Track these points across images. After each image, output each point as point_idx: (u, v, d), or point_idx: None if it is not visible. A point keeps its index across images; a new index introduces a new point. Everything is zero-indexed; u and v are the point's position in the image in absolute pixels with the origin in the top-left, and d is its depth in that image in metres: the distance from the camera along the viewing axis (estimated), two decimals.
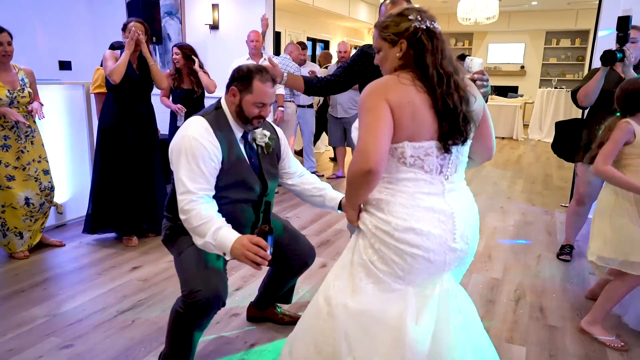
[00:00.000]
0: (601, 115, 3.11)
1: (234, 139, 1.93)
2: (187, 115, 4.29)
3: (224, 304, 1.87)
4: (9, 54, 3.08)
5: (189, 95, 4.29)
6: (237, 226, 1.86)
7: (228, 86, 1.91)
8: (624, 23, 2.87)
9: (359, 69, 2.34)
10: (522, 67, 13.27)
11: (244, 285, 2.97)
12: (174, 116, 4.48)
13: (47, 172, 3.38)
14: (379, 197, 1.48)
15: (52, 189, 3.41)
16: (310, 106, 5.71)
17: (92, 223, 3.56)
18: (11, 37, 3.09)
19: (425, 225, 1.42)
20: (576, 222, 3.42)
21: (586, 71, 12.63)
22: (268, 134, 2.03)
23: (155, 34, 4.95)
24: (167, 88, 4.36)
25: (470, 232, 1.51)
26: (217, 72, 5.52)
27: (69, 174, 3.96)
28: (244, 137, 1.97)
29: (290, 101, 5.21)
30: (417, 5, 1.51)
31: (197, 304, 1.79)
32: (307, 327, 1.61)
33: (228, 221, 1.83)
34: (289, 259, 2.23)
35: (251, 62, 4.82)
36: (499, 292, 2.90)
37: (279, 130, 2.17)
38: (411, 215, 1.42)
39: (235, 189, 1.92)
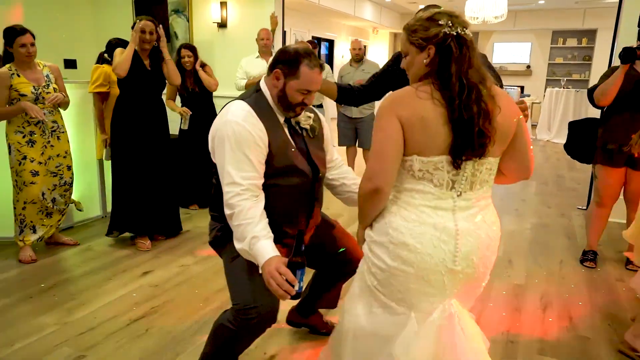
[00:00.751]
0: (619, 114, 3.03)
1: (278, 122, 1.77)
2: (191, 118, 4.23)
3: (275, 320, 1.75)
4: (32, 54, 3.08)
5: (195, 96, 4.28)
6: (290, 215, 1.75)
7: (272, 68, 1.74)
8: None
9: (392, 74, 2.26)
10: (528, 66, 13.16)
11: None
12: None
13: (70, 167, 3.36)
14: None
15: (70, 184, 3.37)
16: (320, 106, 5.61)
17: (111, 224, 3.53)
18: (34, 37, 3.07)
19: (422, 243, 1.37)
20: (598, 225, 3.32)
21: (593, 71, 12.50)
22: (312, 115, 1.88)
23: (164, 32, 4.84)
24: (173, 90, 4.29)
25: (479, 256, 1.40)
26: (225, 70, 5.43)
27: (78, 174, 3.85)
28: (287, 121, 1.82)
29: None
30: (449, 10, 1.41)
31: (251, 321, 1.66)
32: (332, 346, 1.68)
33: (280, 211, 1.71)
34: (338, 261, 2.04)
35: (260, 60, 4.74)
36: (524, 300, 2.80)
37: (318, 112, 1.99)
38: (410, 230, 1.38)
39: (285, 175, 1.76)
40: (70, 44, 5.71)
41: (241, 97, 1.77)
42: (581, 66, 12.63)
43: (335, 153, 2.03)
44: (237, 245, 1.67)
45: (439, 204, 1.39)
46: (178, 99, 4.44)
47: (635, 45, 2.84)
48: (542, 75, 12.93)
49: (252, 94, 1.78)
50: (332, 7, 9.32)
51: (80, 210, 3.73)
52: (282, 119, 1.79)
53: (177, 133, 4.51)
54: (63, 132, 3.29)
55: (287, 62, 1.69)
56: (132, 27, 3.32)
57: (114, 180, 3.48)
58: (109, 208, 3.83)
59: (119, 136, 3.38)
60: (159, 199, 3.50)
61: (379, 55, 13.45)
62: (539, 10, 12.01)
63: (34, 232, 3.24)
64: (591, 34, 12.20)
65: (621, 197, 3.26)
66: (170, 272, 3.11)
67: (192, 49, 4.31)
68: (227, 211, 1.68)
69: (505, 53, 13.33)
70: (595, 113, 4.43)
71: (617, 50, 4.13)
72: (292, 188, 1.79)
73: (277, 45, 5.33)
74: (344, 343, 1.58)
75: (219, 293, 2.83)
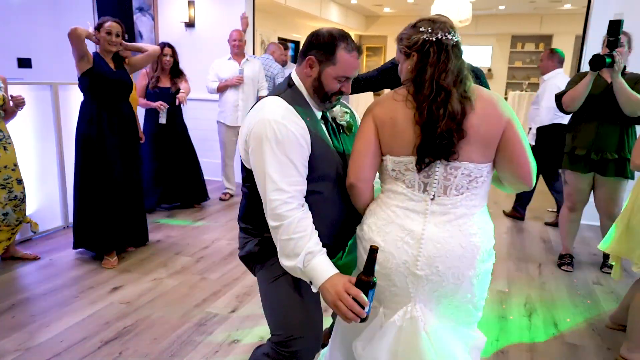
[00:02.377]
0: (587, 121, 3.07)
1: (316, 119, 1.56)
2: (167, 113, 4.13)
3: (319, 350, 1.60)
4: None
5: (167, 94, 4.15)
6: (328, 224, 1.53)
7: (303, 54, 1.52)
8: (615, 27, 2.79)
9: (394, 76, 2.33)
10: (490, 70, 13.49)
11: (239, 305, 2.73)
12: (150, 116, 4.19)
13: (20, 181, 3.07)
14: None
15: (22, 200, 3.07)
16: None
17: (75, 238, 3.26)
18: None
19: (386, 242, 1.40)
20: (571, 229, 3.36)
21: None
22: (348, 110, 1.68)
23: (128, 31, 4.60)
24: (141, 88, 4.12)
25: (446, 265, 1.36)
26: (194, 72, 5.24)
27: (37, 182, 3.60)
28: (324, 117, 1.61)
29: None
30: (435, 15, 1.45)
31: (296, 355, 1.49)
32: None
33: (320, 219, 1.49)
34: None
35: (232, 62, 4.59)
36: (510, 307, 2.79)
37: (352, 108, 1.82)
38: (378, 228, 1.43)
39: (327, 180, 1.53)
40: (25, 42, 5.35)
41: (275, 92, 1.55)
42: (538, 70, 13.05)
43: None
44: (287, 262, 1.44)
45: (411, 206, 1.40)
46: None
47: (603, 53, 2.86)
48: (502, 79, 13.29)
49: (285, 89, 1.55)
50: (298, 8, 9.22)
51: (34, 233, 3.47)
52: (319, 115, 1.59)
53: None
54: (10, 143, 3.01)
55: (322, 46, 1.48)
56: (96, 28, 3.11)
57: (78, 190, 3.20)
58: (71, 218, 3.57)
59: (84, 142, 3.14)
60: (126, 209, 3.28)
61: None
62: (499, 15, 12.34)
63: None
64: (548, 39, 12.64)
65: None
66: (142, 287, 2.92)
67: (172, 48, 4.19)
68: (273, 223, 1.44)
69: (467, 56, 13.44)
70: (559, 116, 4.53)
71: (585, 55, 4.24)
72: (335, 193, 1.56)
73: (247, 47, 5.18)
74: (333, 334, 1.68)
75: (196, 309, 2.67)
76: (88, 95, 3.13)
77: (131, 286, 2.92)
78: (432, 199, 1.39)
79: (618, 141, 2.99)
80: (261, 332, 2.46)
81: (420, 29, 1.38)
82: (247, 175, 1.58)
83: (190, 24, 5.36)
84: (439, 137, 1.32)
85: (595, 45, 4.11)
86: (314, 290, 1.42)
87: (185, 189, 4.42)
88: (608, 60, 2.78)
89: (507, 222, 4.39)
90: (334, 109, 1.63)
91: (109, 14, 4.50)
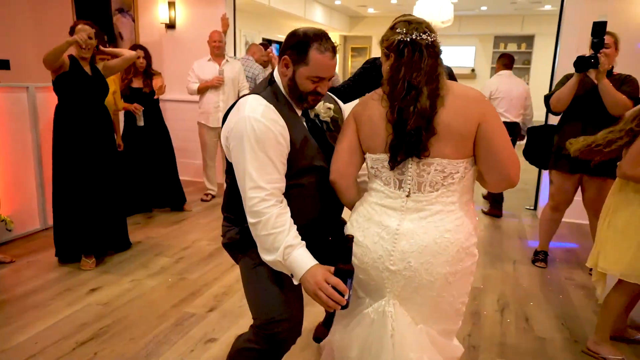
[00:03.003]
0: (573, 121, 3.14)
1: (297, 116, 1.59)
2: (144, 114, 4.13)
3: (300, 334, 1.63)
4: None
5: (139, 95, 4.14)
6: (307, 215, 1.59)
7: (281, 54, 1.55)
8: (599, 29, 2.85)
9: (368, 79, 2.37)
10: (473, 70, 13.65)
11: (217, 305, 2.75)
12: (129, 118, 4.19)
13: None
14: None
15: None
16: None
17: (56, 244, 3.23)
18: None
19: (365, 237, 1.45)
20: (550, 228, 3.41)
21: (532, 75, 13.15)
22: (332, 106, 1.68)
23: (107, 32, 4.60)
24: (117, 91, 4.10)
25: (419, 260, 1.38)
26: (174, 73, 5.25)
27: (15, 184, 3.58)
28: (305, 114, 1.63)
29: None
30: (411, 16, 1.48)
31: (277, 336, 1.52)
32: None
33: (299, 211, 1.54)
34: None
35: (212, 63, 4.60)
36: (483, 303, 2.85)
37: (339, 101, 1.83)
38: (359, 224, 1.48)
39: (306, 175, 1.59)
40: (3, 43, 5.30)
41: (255, 91, 1.58)
42: (521, 70, 13.23)
43: None
44: (267, 257, 1.48)
45: (389, 203, 1.44)
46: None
47: (588, 55, 2.89)
48: (486, 79, 13.42)
49: (266, 87, 1.58)
50: (283, 8, 9.23)
51: (9, 230, 3.45)
52: (299, 112, 1.61)
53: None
54: None
55: (295, 46, 1.50)
56: (70, 32, 3.11)
57: (56, 195, 3.18)
58: (50, 220, 3.56)
59: (61, 147, 3.11)
60: (105, 213, 3.27)
61: None
62: (482, 15, 12.48)
63: None
64: (529, 40, 12.83)
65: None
66: (121, 288, 2.92)
67: (145, 50, 4.19)
68: (251, 219, 1.48)
69: (450, 57, 13.74)
70: (536, 115, 4.62)
71: (559, 55, 4.33)
72: (315, 188, 1.61)
73: (228, 48, 5.20)
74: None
75: (174, 308, 2.69)
76: (63, 98, 3.11)
77: (109, 287, 2.92)
78: (407, 196, 1.42)
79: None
80: (238, 330, 2.48)
81: (397, 30, 1.42)
82: (229, 167, 1.62)
83: (170, 25, 5.35)
84: (408, 134, 1.35)
85: (567, 47, 4.20)
86: (295, 282, 1.46)
87: (162, 194, 4.38)
88: (592, 61, 2.83)
89: (485, 220, 4.47)
90: (317, 106, 1.64)
91: (88, 14, 4.51)
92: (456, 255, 1.40)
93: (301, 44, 1.49)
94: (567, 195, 3.24)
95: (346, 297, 1.38)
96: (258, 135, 1.45)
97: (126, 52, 3.36)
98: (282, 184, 1.51)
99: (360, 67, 2.57)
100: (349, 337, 1.52)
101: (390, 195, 1.44)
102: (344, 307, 1.40)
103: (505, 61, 4.83)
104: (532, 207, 4.80)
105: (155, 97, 4.18)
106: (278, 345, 1.55)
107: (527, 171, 6.36)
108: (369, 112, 1.46)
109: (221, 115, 4.64)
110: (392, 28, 1.45)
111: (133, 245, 3.60)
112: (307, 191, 1.60)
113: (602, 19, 2.88)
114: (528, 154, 3.50)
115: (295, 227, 1.50)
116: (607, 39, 2.97)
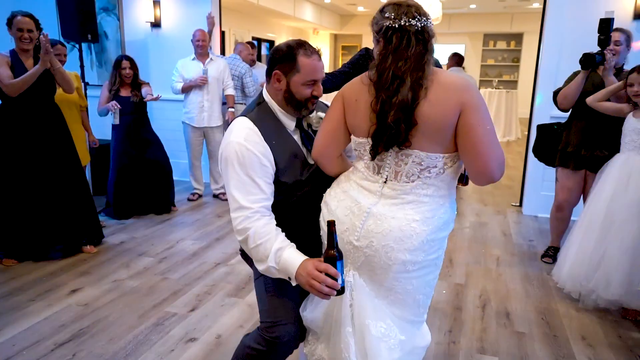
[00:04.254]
0: (580, 118, 3.11)
1: (286, 133, 1.63)
2: (126, 127, 4.10)
3: (303, 339, 1.67)
4: None
5: (127, 103, 4.10)
6: (310, 222, 1.63)
7: (269, 72, 1.60)
8: (605, 26, 2.82)
9: (364, 68, 2.38)
10: (463, 67, 13.67)
11: (199, 304, 2.74)
12: (115, 125, 4.16)
13: None
14: None
15: None
16: None
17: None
18: None
19: (338, 208, 1.49)
20: (558, 226, 3.40)
21: (521, 72, 13.22)
22: (324, 115, 1.69)
23: (91, 32, 4.55)
24: (105, 99, 4.07)
25: (381, 243, 1.39)
26: (160, 72, 5.22)
27: None
28: (299, 125, 1.67)
29: (242, 103, 4.98)
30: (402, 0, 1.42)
31: (281, 339, 1.55)
32: None
33: (299, 218, 1.59)
34: None
35: (196, 62, 4.58)
36: (465, 299, 2.86)
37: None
38: (336, 195, 1.52)
39: (298, 186, 1.63)
40: None
41: (244, 113, 1.64)
42: (511, 67, 13.33)
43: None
44: (261, 266, 1.52)
45: (367, 185, 1.47)
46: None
47: (595, 52, 2.87)
48: (475, 76, 13.47)
49: (254, 108, 1.64)
50: (272, 7, 9.22)
51: None
52: (292, 126, 1.65)
53: (109, 138, 4.31)
54: None
55: (282, 59, 1.56)
56: (7, 25, 2.97)
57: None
58: None
59: (4, 148, 3.03)
60: (54, 216, 3.20)
61: None
62: (471, 14, 12.53)
63: None
64: (519, 37, 12.91)
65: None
66: (102, 288, 2.91)
67: (132, 60, 4.13)
68: (239, 237, 1.54)
69: (440, 55, 13.72)
70: (524, 113, 4.62)
71: (543, 53, 4.35)
72: (307, 201, 1.65)
73: (215, 46, 5.18)
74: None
75: (155, 309, 2.67)
76: (5, 97, 2.99)
77: (90, 288, 2.91)
78: (384, 182, 1.44)
79: (609, 138, 2.97)
80: (218, 330, 2.48)
81: (385, 15, 1.39)
82: None
83: (156, 24, 5.32)
84: (388, 127, 1.35)
85: (551, 45, 4.22)
86: (294, 283, 1.49)
87: (149, 199, 4.32)
88: (598, 58, 2.80)
89: (470, 217, 4.49)
90: (310, 116, 1.68)
91: (70, 13, 4.45)
92: (419, 246, 1.39)
93: (288, 55, 1.55)
94: (570, 194, 3.22)
95: (339, 281, 1.40)
96: (240, 159, 1.51)
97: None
98: (268, 202, 1.56)
99: (357, 54, 2.61)
100: (316, 309, 1.56)
101: (368, 178, 1.47)
102: (339, 292, 1.41)
103: (456, 59, 5.05)
104: (518, 204, 4.82)
105: (146, 99, 4.13)
106: (280, 348, 1.58)
107: (514, 168, 6.45)
108: (357, 95, 1.46)
109: (206, 115, 4.63)
110: (382, 11, 1.41)
111: (115, 245, 3.58)
112: (299, 202, 1.64)
113: (609, 16, 2.84)
114: (537, 151, 3.51)
115: (282, 233, 1.54)
116: (618, 35, 2.96)
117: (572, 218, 3.36)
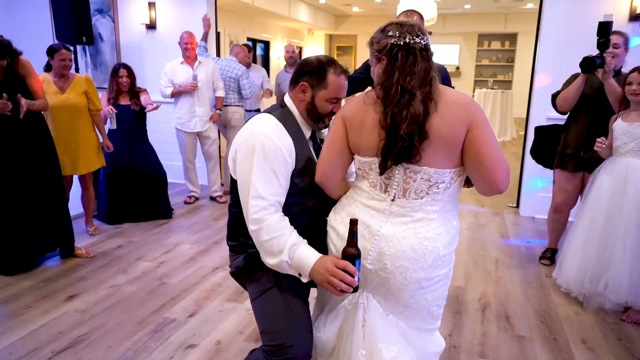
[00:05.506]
0: (578, 120, 3.11)
1: (304, 138, 1.68)
2: (122, 136, 4.06)
3: (311, 357, 1.63)
4: None
5: (127, 111, 4.07)
6: (306, 235, 1.59)
7: (295, 81, 1.65)
8: (604, 29, 2.82)
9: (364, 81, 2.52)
10: (458, 68, 13.72)
11: (198, 310, 2.72)
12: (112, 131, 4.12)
13: None
14: None
15: None
16: (258, 111, 5.49)
17: None
18: None
19: (345, 230, 1.46)
20: (556, 228, 3.41)
21: (515, 72, 13.26)
22: None
23: (86, 34, 4.51)
24: (105, 107, 4.01)
25: (395, 264, 1.40)
26: (156, 74, 5.18)
27: None
28: (312, 137, 1.72)
29: (239, 105, 4.95)
30: (404, 19, 1.50)
31: None
32: None
33: (298, 230, 1.57)
34: None
35: (185, 66, 4.51)
36: (465, 302, 2.86)
37: None
38: (342, 219, 1.51)
39: (307, 193, 1.64)
40: None
41: (267, 111, 1.67)
42: (505, 67, 13.38)
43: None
44: (273, 260, 1.51)
45: (374, 205, 1.46)
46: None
47: (594, 55, 2.86)
48: (470, 76, 13.54)
49: (277, 108, 1.68)
50: (267, 8, 9.18)
51: None
52: (308, 135, 1.69)
53: None
54: None
55: (312, 72, 1.62)
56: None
57: None
58: None
59: None
60: (35, 222, 3.14)
61: None
62: (466, 14, 12.56)
63: None
64: (513, 38, 12.96)
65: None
66: (99, 294, 2.88)
67: (129, 69, 4.08)
68: (252, 227, 1.52)
69: (436, 55, 13.72)
70: (518, 113, 4.62)
71: (539, 53, 4.36)
72: (313, 207, 1.66)
73: (210, 48, 5.15)
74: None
75: (154, 314, 2.65)
76: None
77: (88, 294, 2.88)
78: (392, 200, 1.43)
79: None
80: (218, 336, 2.46)
81: (389, 33, 1.41)
82: (234, 189, 1.66)
83: (151, 26, 5.29)
84: (401, 139, 1.34)
85: (547, 45, 4.23)
86: (305, 280, 1.49)
87: (143, 207, 4.25)
88: (598, 61, 2.81)
89: (468, 219, 4.49)
90: (323, 131, 1.75)
91: (65, 15, 4.42)
92: (432, 263, 1.42)
93: (319, 70, 1.61)
94: (568, 196, 3.23)
95: (356, 278, 1.41)
96: (266, 150, 1.52)
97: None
98: (283, 198, 1.57)
99: (367, 61, 2.61)
100: (328, 330, 1.57)
101: (375, 197, 1.46)
102: (355, 290, 1.42)
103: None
104: (515, 205, 4.84)
105: (147, 110, 4.10)
106: None
107: (511, 169, 6.45)
108: (360, 116, 1.45)
109: (197, 120, 4.58)
110: (384, 31, 1.43)
111: (112, 250, 3.55)
112: (306, 209, 1.65)
113: (608, 19, 2.83)
114: (535, 153, 3.51)
115: (295, 231, 1.54)
116: (617, 38, 2.97)
117: (569, 219, 3.37)
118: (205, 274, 3.19)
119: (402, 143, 1.34)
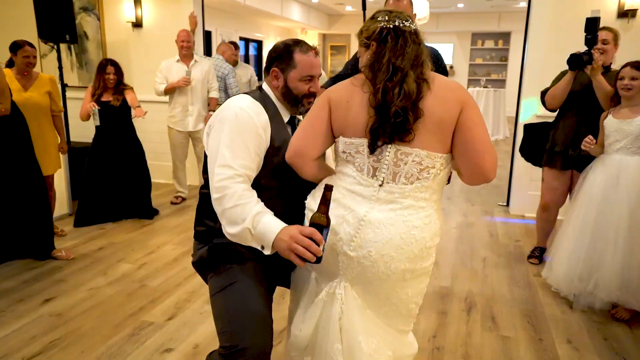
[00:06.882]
0: (567, 118, 3.07)
1: (282, 120, 1.63)
2: (108, 131, 3.99)
3: None
4: None
5: (109, 108, 3.98)
6: (285, 218, 1.50)
7: (267, 69, 1.63)
8: (592, 25, 2.78)
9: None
10: (451, 66, 13.69)
11: (177, 313, 2.66)
12: (98, 129, 4.05)
13: None
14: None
15: None
16: None
17: None
18: None
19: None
20: (544, 227, 3.36)
21: (509, 71, 13.27)
22: None
23: (69, 32, 4.44)
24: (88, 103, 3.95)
25: (380, 252, 1.34)
26: (142, 73, 5.13)
27: None
28: (290, 122, 1.66)
29: None
30: (391, 5, 1.49)
31: None
32: None
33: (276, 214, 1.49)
34: None
35: (180, 64, 4.48)
36: (450, 302, 2.80)
37: None
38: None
39: (280, 174, 1.57)
40: None
41: (244, 92, 1.64)
42: (499, 66, 13.35)
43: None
44: (234, 229, 1.42)
45: (359, 190, 1.39)
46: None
47: (581, 52, 2.82)
48: (464, 75, 13.50)
49: (256, 91, 1.65)
50: (258, 7, 9.13)
51: None
52: (286, 118, 1.65)
53: (90, 140, 4.19)
54: None
55: (279, 57, 1.60)
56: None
57: None
58: None
59: None
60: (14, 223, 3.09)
61: None
62: (459, 13, 12.54)
63: None
64: (506, 36, 12.94)
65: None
66: (77, 297, 2.81)
67: (117, 65, 4.01)
68: (216, 195, 1.44)
69: None
70: (512, 112, 4.60)
71: (528, 52, 4.32)
72: (286, 189, 1.59)
73: (198, 47, 5.09)
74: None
75: (131, 318, 2.59)
76: None
77: (65, 297, 2.81)
78: (380, 185, 1.37)
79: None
80: (197, 339, 2.40)
81: (378, 19, 1.40)
82: (205, 169, 1.60)
83: (137, 24, 5.22)
84: (394, 115, 1.30)
85: (536, 44, 4.19)
86: (267, 252, 1.41)
87: (128, 206, 4.20)
88: (585, 58, 2.76)
89: (457, 218, 4.44)
90: (303, 115, 1.67)
91: (48, 13, 4.34)
92: (418, 254, 1.37)
93: (285, 52, 1.59)
94: (556, 194, 3.18)
95: (321, 247, 1.31)
96: (240, 120, 1.48)
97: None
98: (252, 174, 1.51)
99: (354, 57, 2.55)
100: (306, 328, 1.50)
101: (362, 183, 1.39)
102: (318, 260, 1.32)
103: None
104: (505, 204, 4.79)
105: (134, 116, 4.01)
106: None
107: (502, 167, 6.42)
108: (348, 97, 1.41)
109: (191, 119, 4.54)
110: (373, 18, 1.42)
111: (93, 252, 3.48)
112: (279, 192, 1.58)
113: (595, 15, 2.79)
114: (524, 150, 3.46)
115: (262, 203, 1.46)
116: (606, 34, 2.93)
117: (557, 217, 3.33)
118: (188, 275, 3.13)
119: (394, 119, 1.30)
